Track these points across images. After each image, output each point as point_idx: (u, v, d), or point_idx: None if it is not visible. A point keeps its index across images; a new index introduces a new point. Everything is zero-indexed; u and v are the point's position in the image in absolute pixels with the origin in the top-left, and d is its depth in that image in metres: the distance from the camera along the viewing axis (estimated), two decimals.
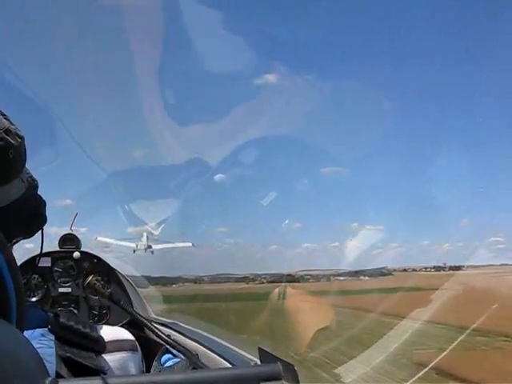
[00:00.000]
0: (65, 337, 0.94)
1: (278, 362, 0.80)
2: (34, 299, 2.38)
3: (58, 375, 0.86)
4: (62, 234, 2.65)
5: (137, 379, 0.68)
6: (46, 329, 0.94)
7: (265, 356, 0.87)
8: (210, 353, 1.62)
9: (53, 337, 0.93)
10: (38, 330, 0.93)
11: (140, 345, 1.77)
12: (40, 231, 1.11)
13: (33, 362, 0.56)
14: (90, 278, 2.13)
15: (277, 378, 0.77)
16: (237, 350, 1.61)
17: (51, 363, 0.86)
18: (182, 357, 1.59)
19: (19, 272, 0.63)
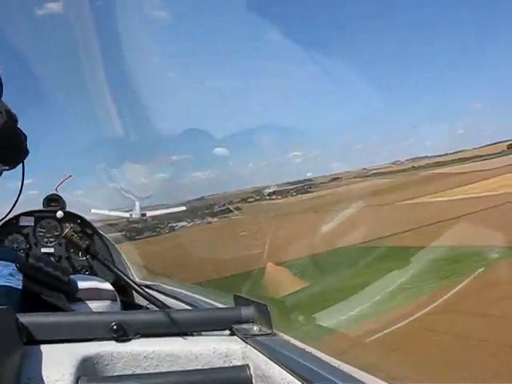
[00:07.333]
0: (34, 276, 0.93)
1: (252, 306, 0.79)
2: None
3: (23, 311, 0.84)
4: (47, 195, 2.60)
5: (101, 317, 0.66)
6: (14, 266, 0.93)
7: (240, 301, 0.86)
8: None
9: (21, 276, 0.92)
10: (6, 268, 0.91)
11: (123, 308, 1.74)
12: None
13: None
14: (67, 230, 2.08)
15: (249, 320, 0.76)
16: (220, 305, 1.61)
17: (16, 301, 0.85)
18: None
19: None
